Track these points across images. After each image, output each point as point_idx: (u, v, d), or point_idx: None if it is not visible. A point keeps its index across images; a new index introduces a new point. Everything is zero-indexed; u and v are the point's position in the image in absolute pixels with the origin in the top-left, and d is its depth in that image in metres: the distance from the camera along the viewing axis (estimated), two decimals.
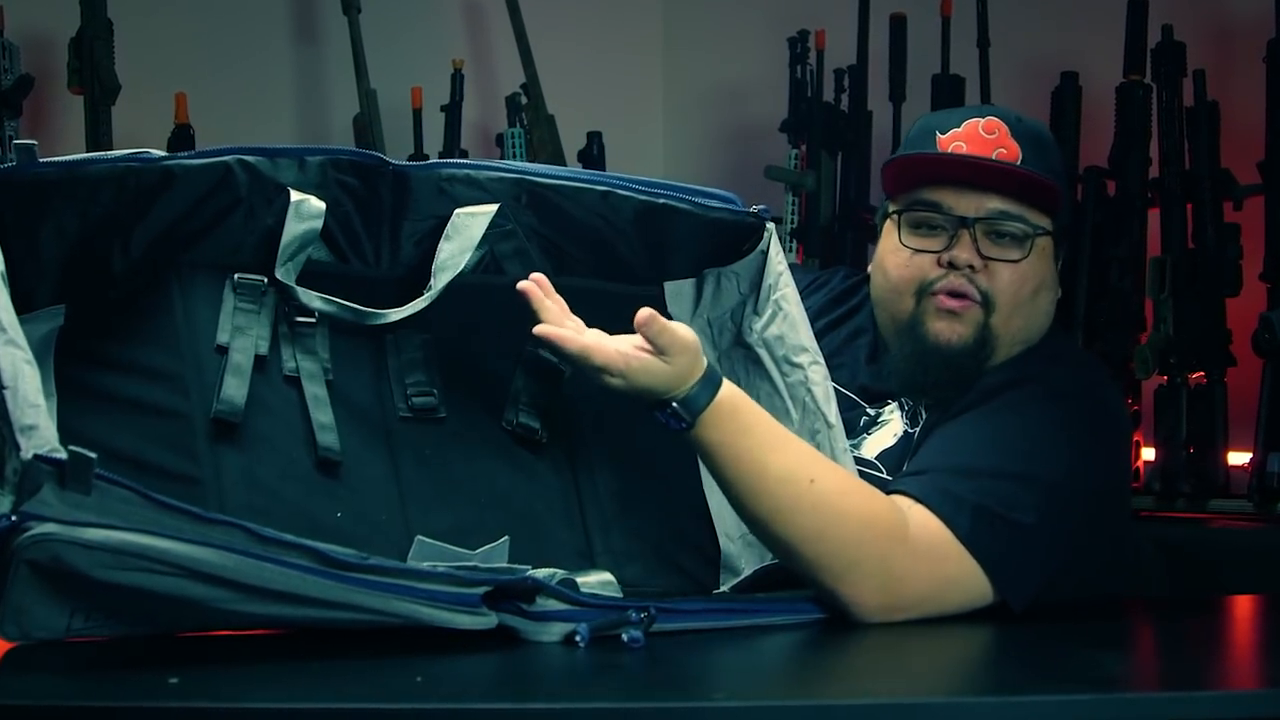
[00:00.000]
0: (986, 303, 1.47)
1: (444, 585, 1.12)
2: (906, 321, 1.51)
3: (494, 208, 1.33)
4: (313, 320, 1.28)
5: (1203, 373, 2.32)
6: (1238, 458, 2.29)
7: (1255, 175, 2.30)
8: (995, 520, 1.34)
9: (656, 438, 1.34)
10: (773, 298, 1.41)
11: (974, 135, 1.49)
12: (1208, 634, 1.42)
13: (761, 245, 1.41)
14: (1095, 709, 0.98)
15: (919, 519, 1.32)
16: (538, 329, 1.21)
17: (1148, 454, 2.35)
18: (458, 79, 2.72)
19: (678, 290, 1.45)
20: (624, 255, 1.41)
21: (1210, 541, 2.17)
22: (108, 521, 1.01)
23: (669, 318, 1.42)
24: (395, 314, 1.29)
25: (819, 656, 1.25)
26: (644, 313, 1.19)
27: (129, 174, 1.20)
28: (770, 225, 1.42)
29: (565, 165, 2.71)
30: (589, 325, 1.34)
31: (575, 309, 1.36)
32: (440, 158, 2.68)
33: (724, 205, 1.40)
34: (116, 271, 1.23)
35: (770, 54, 2.77)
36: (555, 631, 1.16)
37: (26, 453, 1.01)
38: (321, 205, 1.27)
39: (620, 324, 1.35)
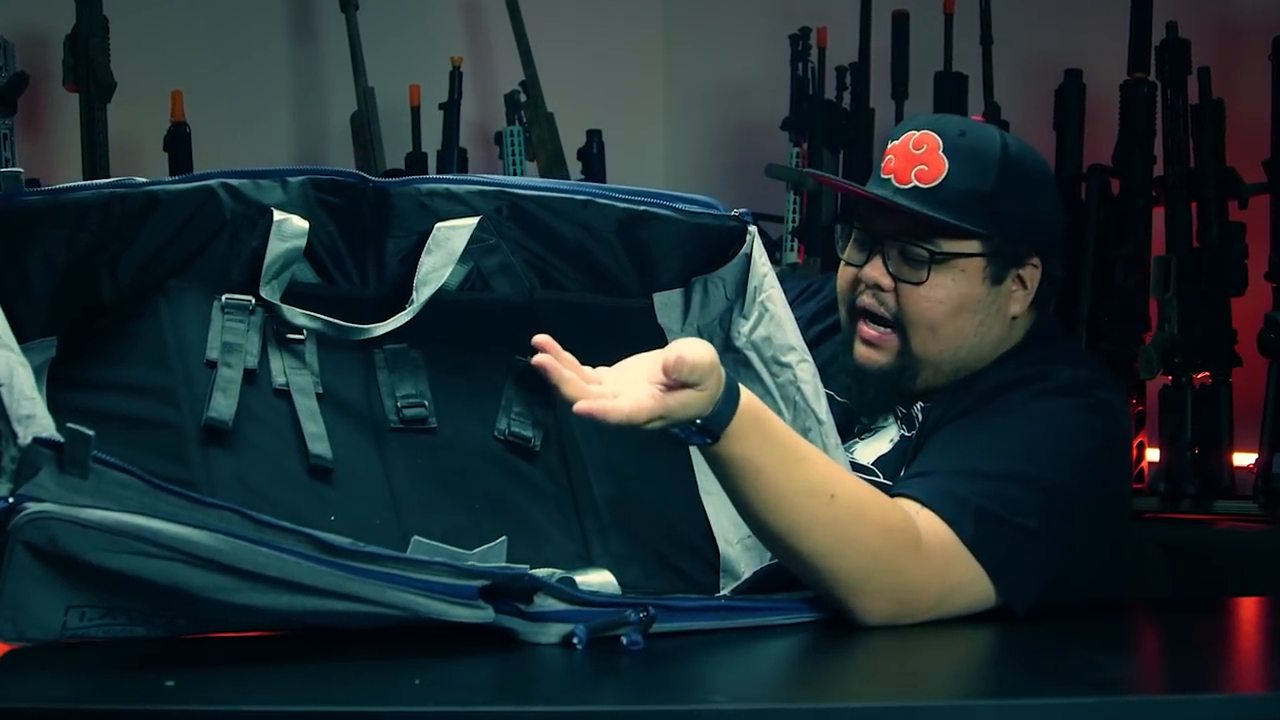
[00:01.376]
0: (899, 325, 1.49)
1: (441, 576, 1.11)
2: (844, 336, 1.54)
3: (474, 220, 1.34)
4: (301, 336, 1.29)
5: (1208, 373, 2.31)
6: (1243, 458, 2.28)
7: (1260, 174, 2.30)
8: (998, 523, 1.33)
9: (650, 444, 1.35)
10: (758, 299, 1.41)
11: (904, 150, 1.48)
12: (1212, 636, 1.41)
13: (745, 248, 1.41)
14: (1097, 712, 0.98)
15: (927, 524, 1.32)
16: (578, 408, 1.17)
17: (1152, 455, 2.34)
18: (456, 77, 2.71)
19: (667, 301, 1.45)
20: (609, 266, 1.41)
21: (1215, 543, 2.17)
22: (104, 504, 1.01)
23: (659, 329, 1.44)
24: (379, 328, 1.30)
25: (819, 659, 1.24)
26: (668, 361, 1.17)
27: (114, 200, 1.21)
28: (753, 228, 1.42)
29: (564, 163, 2.70)
30: (580, 340, 1.35)
31: (564, 324, 1.36)
32: (439, 156, 2.67)
33: (705, 210, 1.40)
34: (106, 300, 1.24)
35: (771, 51, 2.76)
36: (553, 633, 1.15)
37: (24, 439, 1.01)
38: (304, 225, 1.28)
39: (610, 337, 1.36)
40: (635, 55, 3.09)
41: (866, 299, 1.50)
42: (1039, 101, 2.50)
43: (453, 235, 1.33)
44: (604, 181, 2.71)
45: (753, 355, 1.42)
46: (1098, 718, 0.98)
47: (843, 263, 1.53)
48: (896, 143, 1.49)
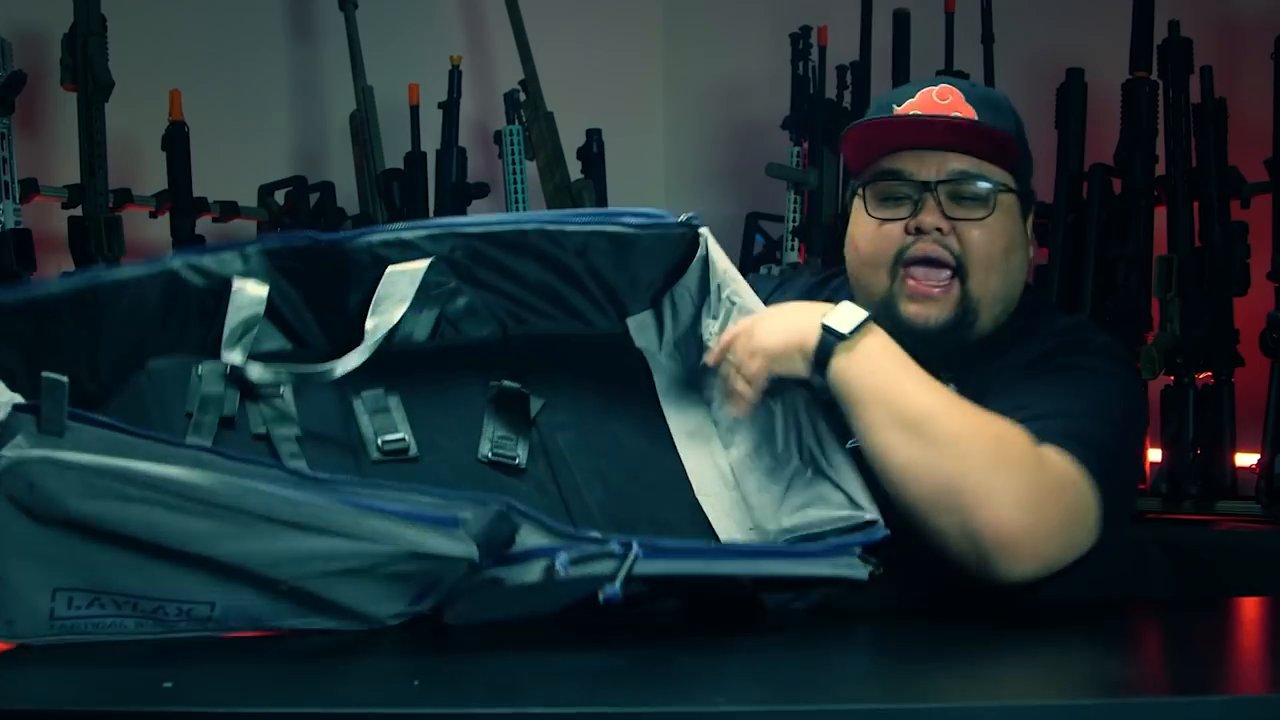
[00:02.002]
0: (960, 268, 1.47)
1: (420, 497, 1.10)
2: (882, 298, 1.49)
3: (425, 263, 1.36)
4: (279, 392, 1.33)
5: (1210, 373, 2.31)
6: (1245, 459, 2.27)
7: (1263, 173, 2.29)
8: (1086, 445, 1.33)
9: (640, 452, 1.39)
10: (724, 295, 1.42)
11: (928, 103, 1.49)
12: (1214, 637, 1.41)
13: (700, 252, 1.42)
14: (1098, 713, 0.97)
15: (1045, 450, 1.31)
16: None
17: (1154, 455, 2.33)
18: (455, 75, 2.70)
19: (640, 323, 1.46)
20: (573, 293, 1.43)
21: (1217, 543, 2.16)
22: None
23: (638, 353, 1.47)
24: (340, 365, 1.32)
25: (819, 660, 1.23)
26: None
27: (86, 292, 1.25)
28: (704, 230, 1.42)
29: (564, 162, 2.70)
30: (559, 373, 1.41)
31: (541, 359, 1.41)
32: (438, 155, 2.67)
33: (655, 221, 1.40)
34: (89, 394, 1.27)
35: (772, 50, 2.76)
36: (536, 570, 1.12)
37: (2, 415, 1.02)
38: (261, 291, 1.32)
39: (588, 367, 1.39)
40: (635, 53, 3.09)
41: (927, 246, 1.47)
42: (1040, 100, 2.49)
43: (402, 278, 1.35)
44: (604, 180, 2.71)
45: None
46: (1098, 719, 0.97)
47: (877, 223, 1.49)
48: (914, 100, 1.50)
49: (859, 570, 1.25)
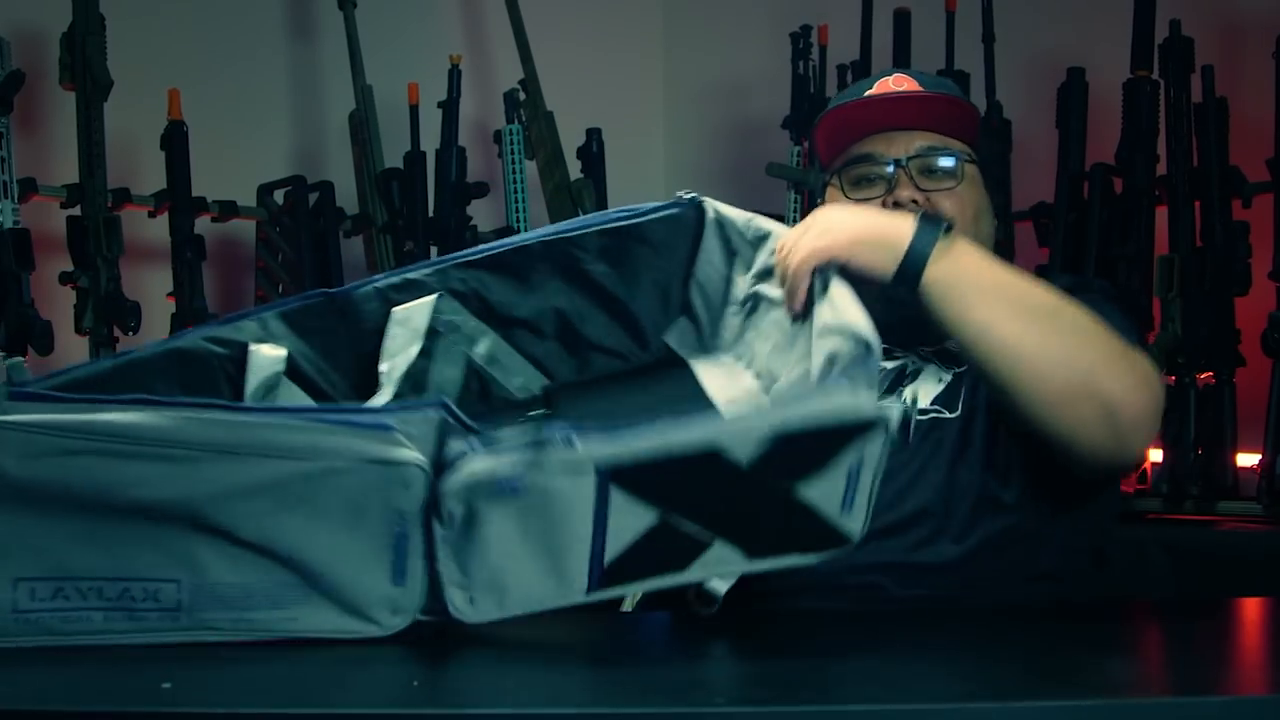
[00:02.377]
0: None
1: (350, 414, 1.10)
2: None
3: (432, 299, 1.37)
4: None
5: (1211, 373, 2.31)
6: (1246, 459, 2.27)
7: (1264, 172, 2.29)
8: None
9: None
10: (750, 236, 1.39)
11: (886, 90, 1.56)
12: (1215, 637, 1.40)
13: (710, 216, 1.41)
14: (1098, 714, 0.97)
15: None
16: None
17: (1155, 455, 2.33)
18: (455, 75, 2.71)
19: (679, 332, 1.45)
20: (600, 314, 1.42)
21: (1218, 544, 2.16)
22: None
23: (681, 361, 1.44)
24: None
25: (819, 660, 1.23)
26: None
27: (113, 373, 1.27)
28: (704, 200, 1.41)
29: (564, 162, 2.69)
30: (609, 412, 1.38)
31: (586, 405, 1.39)
32: (437, 155, 2.67)
33: (654, 208, 1.40)
34: None
35: (772, 49, 2.76)
36: (464, 471, 1.09)
37: None
38: (279, 352, 1.34)
39: (637, 395, 1.40)
40: (635, 52, 3.09)
41: None
42: (1041, 99, 2.49)
43: (411, 314, 1.37)
44: (604, 180, 2.71)
45: (762, 286, 1.37)
46: (1098, 719, 0.97)
47: (854, 204, 1.54)
48: (873, 89, 1.56)
49: (865, 408, 1.06)
